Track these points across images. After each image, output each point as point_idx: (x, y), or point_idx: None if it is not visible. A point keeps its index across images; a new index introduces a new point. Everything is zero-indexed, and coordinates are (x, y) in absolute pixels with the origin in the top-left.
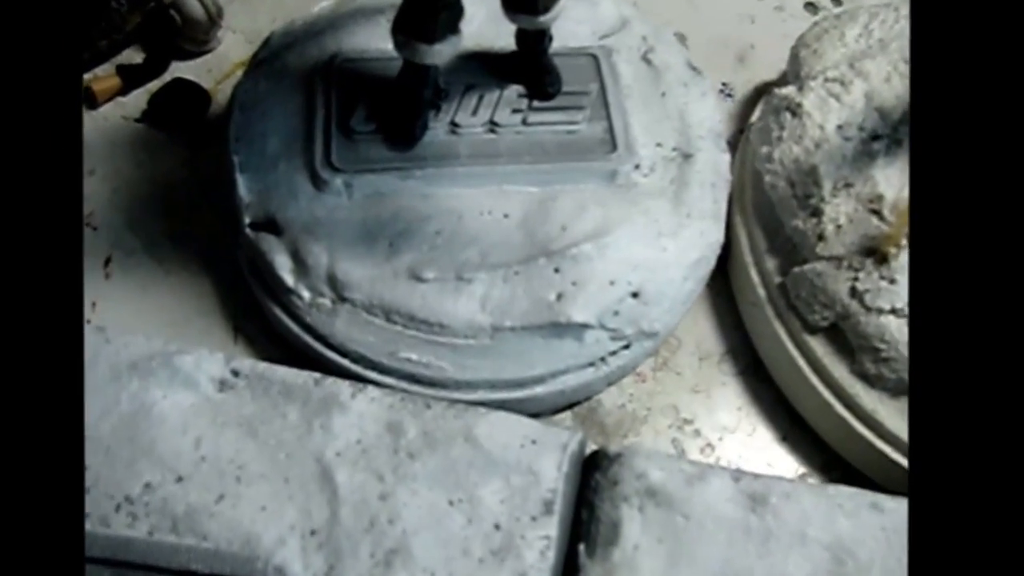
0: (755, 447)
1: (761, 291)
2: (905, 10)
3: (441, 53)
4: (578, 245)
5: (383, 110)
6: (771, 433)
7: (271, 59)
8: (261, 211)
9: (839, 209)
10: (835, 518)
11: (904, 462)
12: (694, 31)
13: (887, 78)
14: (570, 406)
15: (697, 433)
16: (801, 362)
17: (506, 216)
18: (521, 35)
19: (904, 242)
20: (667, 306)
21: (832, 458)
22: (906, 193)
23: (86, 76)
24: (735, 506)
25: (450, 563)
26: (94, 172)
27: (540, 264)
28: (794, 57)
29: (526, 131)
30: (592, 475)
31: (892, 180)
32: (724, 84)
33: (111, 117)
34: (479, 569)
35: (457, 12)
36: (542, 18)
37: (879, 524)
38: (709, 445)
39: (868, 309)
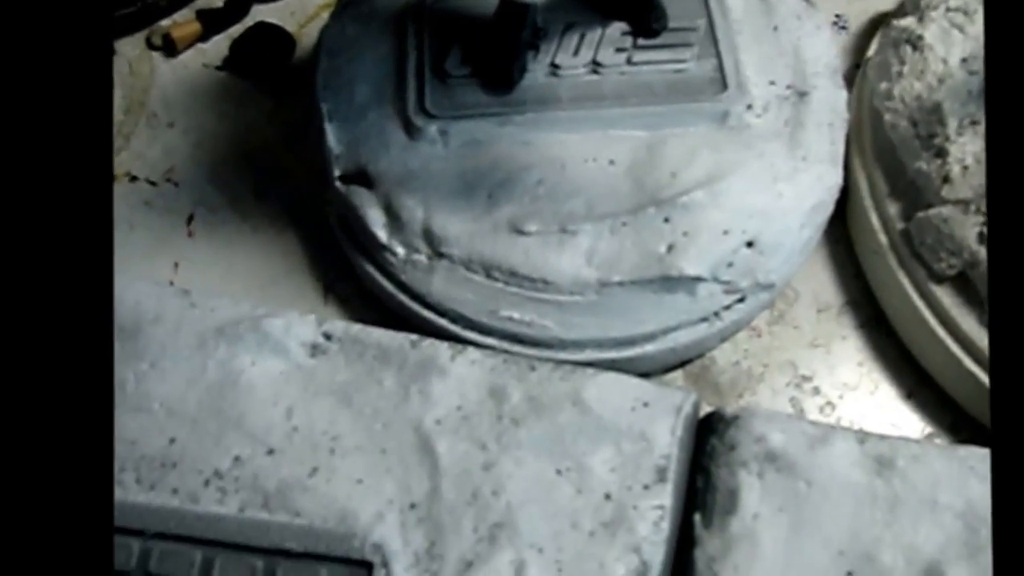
0: (878, 405)
1: (883, 238)
2: None
3: None
4: (689, 193)
5: (479, 52)
6: (895, 390)
7: (358, 0)
8: (351, 163)
9: (965, 149)
10: (968, 482)
11: None
12: None
13: None
14: (682, 364)
15: (816, 391)
16: (927, 314)
17: (612, 163)
18: None
19: None
20: (784, 256)
21: (961, 417)
22: None
23: (165, 22)
24: (861, 470)
25: (559, 537)
26: (174, 124)
27: (649, 214)
28: None
29: (631, 71)
30: (708, 439)
31: None
32: (838, 16)
33: (191, 65)
34: (590, 543)
35: None
36: None
37: None
38: (829, 403)
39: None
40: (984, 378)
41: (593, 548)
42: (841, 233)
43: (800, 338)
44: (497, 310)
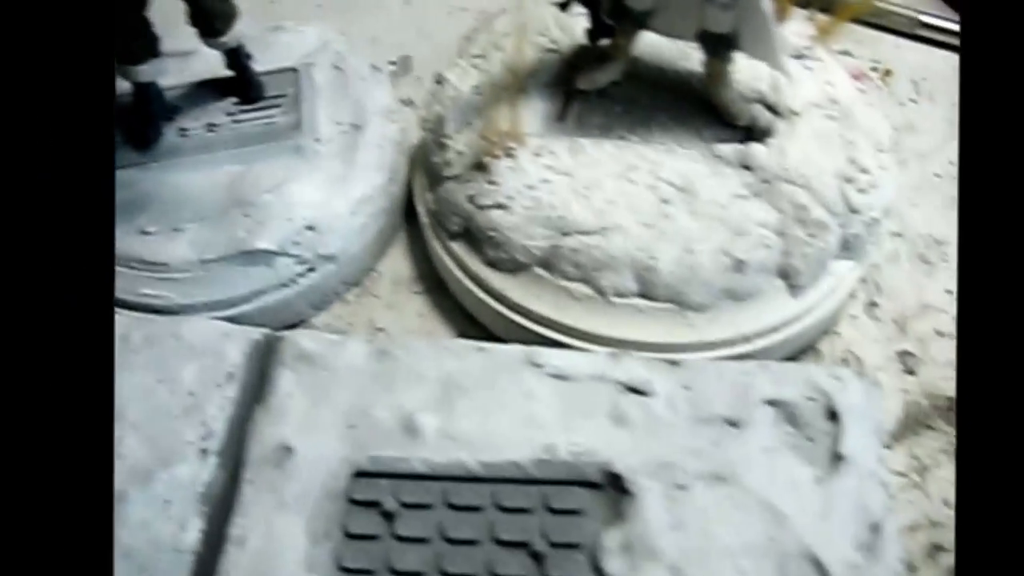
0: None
1: (425, 217)
2: None
3: (147, 72)
4: (262, 195)
5: (126, 122)
6: (450, 331)
7: None
8: None
9: (460, 142)
10: (446, 360)
11: (523, 321)
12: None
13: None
14: (293, 327)
15: (387, 336)
16: (450, 264)
17: (214, 186)
18: (224, 56)
19: (499, 152)
20: (340, 235)
21: (489, 335)
22: (503, 117)
23: None
24: (366, 359)
25: (153, 420)
26: None
27: (234, 212)
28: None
29: (236, 127)
30: (269, 354)
31: (501, 115)
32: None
33: None
34: (174, 421)
35: (151, 40)
36: (223, 39)
37: (482, 361)
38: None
39: (480, 208)
40: (490, 300)
41: (176, 424)
42: (415, 227)
43: (379, 304)
44: (136, 290)
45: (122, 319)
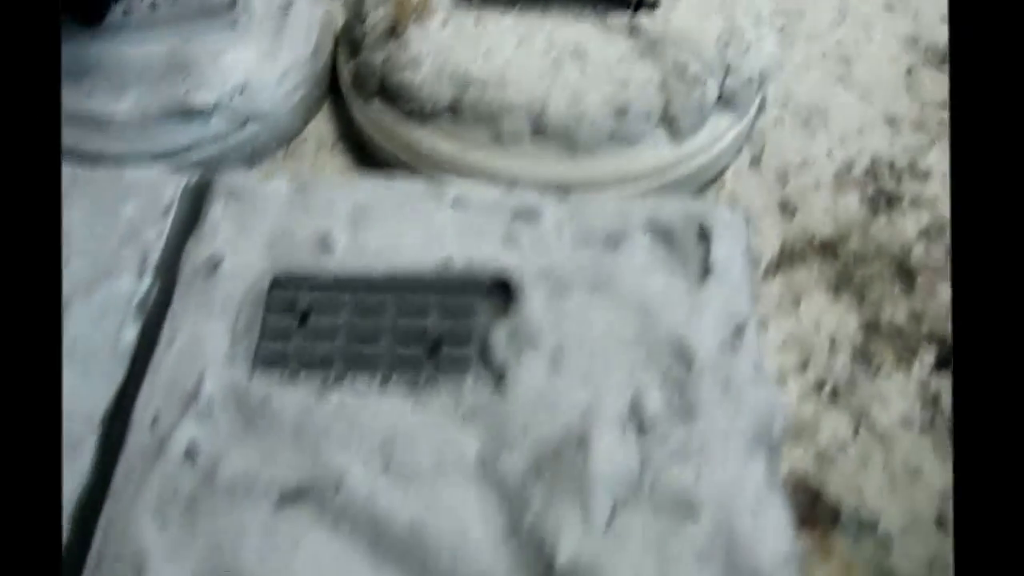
0: None
1: (347, 81)
2: None
3: None
4: (199, 61)
5: (75, 2)
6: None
7: None
8: None
9: (378, 15)
10: (358, 192)
11: (432, 167)
12: None
13: None
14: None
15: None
16: (368, 120)
17: (158, 55)
18: None
19: (409, 18)
20: (268, 97)
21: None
22: None
23: None
24: (288, 192)
25: (97, 252)
26: None
27: (173, 76)
28: None
29: (176, 6)
30: (202, 191)
31: None
32: None
33: None
34: (116, 249)
35: None
36: None
37: (389, 193)
38: None
39: (394, 68)
40: (403, 151)
41: (117, 247)
42: (340, 99)
43: (304, 163)
44: (83, 143)
45: (68, 168)
